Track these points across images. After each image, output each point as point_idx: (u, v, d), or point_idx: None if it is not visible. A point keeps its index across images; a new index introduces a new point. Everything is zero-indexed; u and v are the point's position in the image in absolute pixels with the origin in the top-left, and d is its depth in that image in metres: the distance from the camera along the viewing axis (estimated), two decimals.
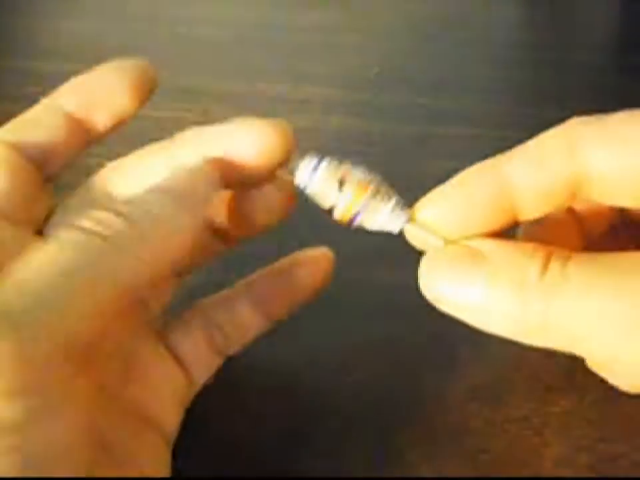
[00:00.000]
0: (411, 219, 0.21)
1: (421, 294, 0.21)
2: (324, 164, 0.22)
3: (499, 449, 0.25)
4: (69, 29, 0.52)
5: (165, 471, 0.21)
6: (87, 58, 0.48)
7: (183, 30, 0.53)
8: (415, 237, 0.21)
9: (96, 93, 0.23)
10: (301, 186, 0.22)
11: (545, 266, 0.18)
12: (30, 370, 0.16)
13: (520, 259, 0.19)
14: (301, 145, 0.40)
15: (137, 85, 0.23)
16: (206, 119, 0.42)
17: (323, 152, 0.42)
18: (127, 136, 0.40)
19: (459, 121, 0.43)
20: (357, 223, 0.22)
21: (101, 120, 0.23)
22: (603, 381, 0.21)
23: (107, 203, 0.19)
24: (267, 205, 0.23)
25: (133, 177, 0.22)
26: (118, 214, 0.18)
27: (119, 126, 0.24)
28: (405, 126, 0.43)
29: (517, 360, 0.28)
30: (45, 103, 0.23)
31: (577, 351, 0.19)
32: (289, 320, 0.27)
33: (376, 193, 0.21)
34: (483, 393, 0.27)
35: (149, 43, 0.51)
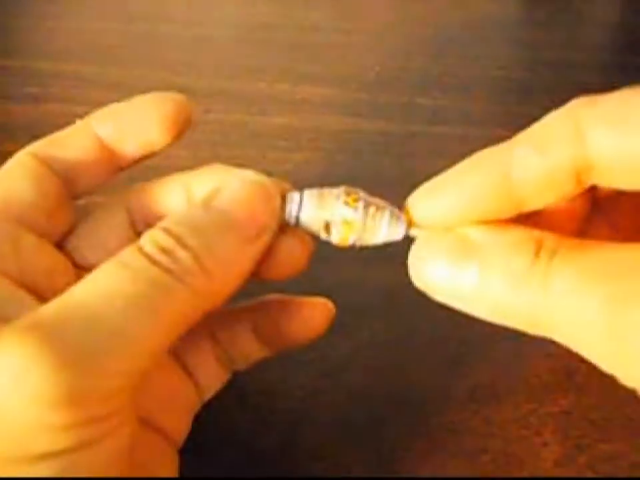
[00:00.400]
0: (410, 224, 0.21)
1: (421, 294, 0.21)
2: (306, 202, 0.21)
3: (498, 449, 0.25)
4: (69, 29, 0.52)
5: (174, 477, 0.22)
6: (87, 58, 0.49)
7: (183, 30, 0.53)
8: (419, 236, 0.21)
9: (129, 123, 0.23)
10: (292, 222, 0.21)
11: (536, 256, 0.18)
12: (91, 403, 0.16)
13: (510, 248, 0.18)
14: (301, 144, 0.41)
15: (170, 119, 0.23)
16: (206, 119, 0.42)
17: (322, 152, 0.42)
18: None
19: (459, 120, 0.43)
20: (358, 244, 0.21)
21: (130, 150, 0.23)
22: (602, 381, 0.21)
23: (166, 223, 0.19)
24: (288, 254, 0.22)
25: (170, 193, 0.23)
26: (183, 245, 0.18)
27: (147, 157, 0.24)
28: (405, 126, 0.43)
29: (517, 360, 0.28)
30: (79, 124, 0.23)
31: (567, 344, 0.19)
32: None
33: (366, 213, 0.21)
34: (483, 392, 0.27)
35: (148, 43, 0.51)
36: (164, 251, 0.18)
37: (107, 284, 0.17)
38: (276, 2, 0.58)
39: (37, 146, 0.23)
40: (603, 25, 0.60)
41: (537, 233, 0.19)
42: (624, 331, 0.16)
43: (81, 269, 0.22)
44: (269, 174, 0.38)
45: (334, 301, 0.27)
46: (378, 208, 0.21)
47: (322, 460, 0.25)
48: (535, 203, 0.19)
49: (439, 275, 0.19)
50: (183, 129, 0.24)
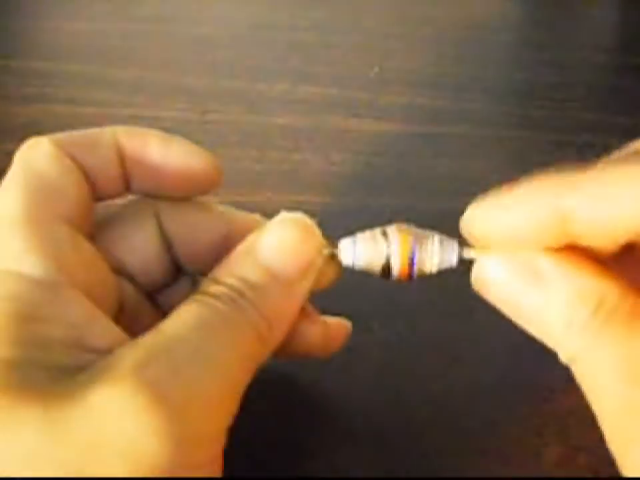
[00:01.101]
0: (462, 244, 0.21)
1: (421, 294, 0.21)
2: (360, 247, 0.22)
3: (498, 449, 0.25)
4: (69, 29, 0.52)
5: None
6: (87, 58, 0.49)
7: (183, 30, 0.53)
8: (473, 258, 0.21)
9: (155, 156, 0.23)
10: (349, 265, 0.22)
11: (594, 313, 0.19)
12: (180, 452, 0.16)
13: (573, 295, 0.19)
14: (300, 144, 0.40)
15: (201, 173, 0.23)
16: (206, 119, 0.42)
17: (322, 152, 0.42)
18: None
19: (459, 121, 0.43)
20: (416, 276, 0.22)
21: (140, 181, 0.23)
22: None
23: (225, 277, 0.20)
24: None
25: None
26: (256, 309, 0.19)
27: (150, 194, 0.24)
28: (405, 126, 0.43)
29: (517, 360, 0.28)
30: (106, 131, 0.22)
31: (587, 395, 0.19)
32: None
33: (419, 238, 0.21)
34: (483, 392, 0.27)
35: (149, 43, 0.51)
36: (229, 299, 0.19)
37: (201, 335, 0.18)
38: (276, 2, 0.58)
39: (62, 141, 0.21)
40: (603, 25, 0.60)
41: (601, 286, 0.19)
42: (634, 437, 0.17)
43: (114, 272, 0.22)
44: (269, 174, 0.38)
45: (334, 302, 0.27)
46: (430, 238, 0.22)
47: (321, 460, 0.25)
48: (590, 243, 0.19)
49: (503, 290, 0.20)
50: (203, 188, 0.23)
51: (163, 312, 0.24)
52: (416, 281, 0.22)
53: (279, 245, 0.20)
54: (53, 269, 0.18)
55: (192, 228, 0.23)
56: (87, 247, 0.20)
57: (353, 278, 0.31)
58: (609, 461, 0.20)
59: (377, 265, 0.22)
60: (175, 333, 0.17)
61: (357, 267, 0.22)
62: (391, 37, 0.54)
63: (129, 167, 0.22)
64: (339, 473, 0.25)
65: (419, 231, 0.22)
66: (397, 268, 0.21)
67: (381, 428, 0.26)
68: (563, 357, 0.20)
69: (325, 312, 0.29)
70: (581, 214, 0.18)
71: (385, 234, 0.22)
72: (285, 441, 0.25)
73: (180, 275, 0.24)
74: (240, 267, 0.20)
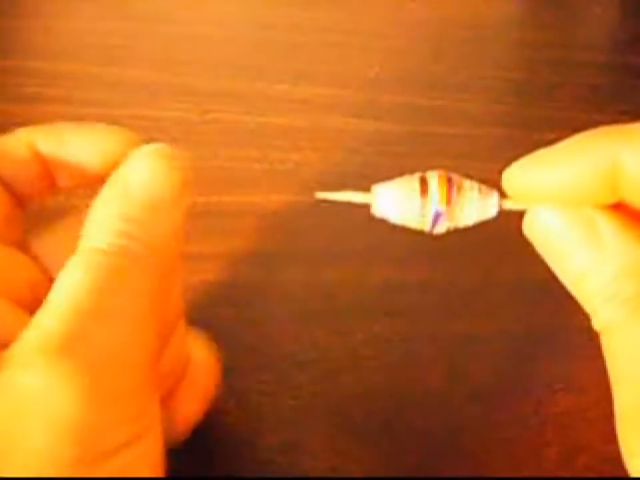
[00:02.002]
0: (503, 196, 0.20)
1: (421, 294, 0.21)
2: (395, 187, 0.21)
3: (498, 449, 0.25)
4: (69, 29, 0.52)
5: None
6: (87, 58, 0.49)
7: (183, 30, 0.53)
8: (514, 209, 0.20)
9: (72, 147, 0.23)
10: (385, 216, 0.21)
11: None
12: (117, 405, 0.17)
13: (627, 268, 0.18)
14: (300, 144, 0.40)
15: (109, 155, 0.23)
16: (206, 119, 0.42)
17: (322, 152, 0.42)
18: None
19: (459, 121, 0.43)
20: (453, 225, 0.20)
21: (64, 176, 0.23)
22: (603, 381, 0.21)
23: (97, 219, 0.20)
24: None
25: None
26: (121, 234, 0.19)
27: (80, 185, 0.23)
28: (405, 126, 0.43)
29: (517, 360, 0.28)
30: (20, 134, 0.23)
31: (609, 370, 0.19)
32: (290, 320, 0.27)
33: (459, 185, 0.20)
34: (483, 392, 0.27)
35: (149, 43, 0.51)
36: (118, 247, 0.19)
37: (81, 285, 0.18)
38: (276, 2, 0.58)
39: None
40: (603, 25, 0.60)
41: None
42: None
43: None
44: (268, 174, 0.38)
45: (334, 301, 0.27)
46: (469, 186, 0.20)
47: (322, 460, 0.25)
48: (635, 202, 0.19)
49: (555, 241, 0.19)
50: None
51: None
52: (452, 233, 0.21)
53: (146, 175, 0.20)
54: None
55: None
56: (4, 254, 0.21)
57: (353, 278, 0.31)
58: (609, 461, 0.20)
59: (413, 213, 0.20)
60: (70, 301, 0.18)
61: (391, 218, 0.20)
62: (390, 37, 0.54)
63: (51, 166, 0.23)
64: (340, 473, 0.25)
65: (459, 178, 0.20)
66: (435, 214, 0.20)
67: (381, 428, 0.26)
68: (596, 324, 0.19)
69: (325, 309, 0.29)
70: (634, 164, 0.18)
71: (423, 181, 0.20)
72: (285, 441, 0.25)
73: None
74: (118, 208, 0.20)
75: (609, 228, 0.19)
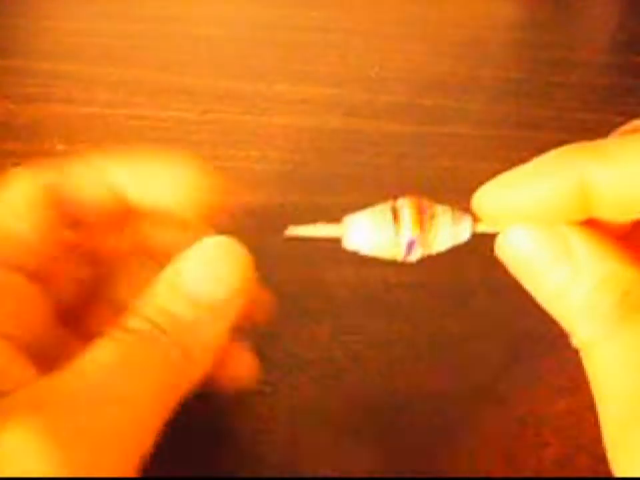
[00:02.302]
0: (475, 219, 0.20)
1: (421, 294, 0.21)
2: (365, 218, 0.20)
3: (498, 449, 0.25)
4: (69, 29, 0.52)
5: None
6: (87, 58, 0.49)
7: (183, 30, 0.53)
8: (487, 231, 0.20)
9: (150, 181, 0.21)
10: (357, 248, 0.20)
11: (619, 303, 0.18)
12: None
13: (601, 280, 0.18)
14: (300, 144, 0.40)
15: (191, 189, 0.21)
16: (206, 119, 0.42)
17: (322, 152, 0.42)
18: (127, 136, 0.40)
19: (459, 120, 0.43)
20: (427, 252, 0.20)
21: (144, 209, 0.22)
22: None
23: (143, 310, 0.19)
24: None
25: None
26: (163, 331, 0.18)
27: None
28: (405, 126, 0.43)
29: (517, 360, 0.28)
30: (94, 168, 0.21)
31: (591, 385, 0.19)
32: (290, 320, 0.27)
33: (431, 212, 0.20)
34: (483, 392, 0.27)
35: (149, 43, 0.51)
36: (144, 333, 0.18)
37: (104, 360, 0.18)
38: (276, 2, 0.58)
39: (47, 181, 0.21)
40: (603, 25, 0.60)
41: (629, 275, 0.18)
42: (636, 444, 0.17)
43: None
44: (269, 174, 0.38)
45: (334, 301, 0.27)
46: (441, 212, 0.20)
47: (322, 460, 0.25)
48: (607, 216, 0.19)
49: (528, 262, 0.19)
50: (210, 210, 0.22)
51: None
52: (427, 259, 0.20)
53: (200, 270, 0.19)
54: None
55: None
56: (28, 294, 0.20)
57: (353, 278, 0.31)
58: (609, 461, 0.20)
59: (386, 242, 0.20)
60: (80, 372, 0.17)
61: (363, 249, 0.20)
62: (390, 37, 0.54)
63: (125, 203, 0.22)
64: (340, 473, 0.25)
65: (431, 204, 0.20)
66: (409, 242, 0.20)
67: (381, 428, 0.26)
68: (577, 341, 0.19)
69: (325, 309, 0.29)
70: (604, 181, 0.18)
71: (394, 209, 0.20)
72: (285, 441, 0.25)
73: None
74: (159, 297, 0.19)
75: (582, 244, 0.19)
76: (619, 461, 0.18)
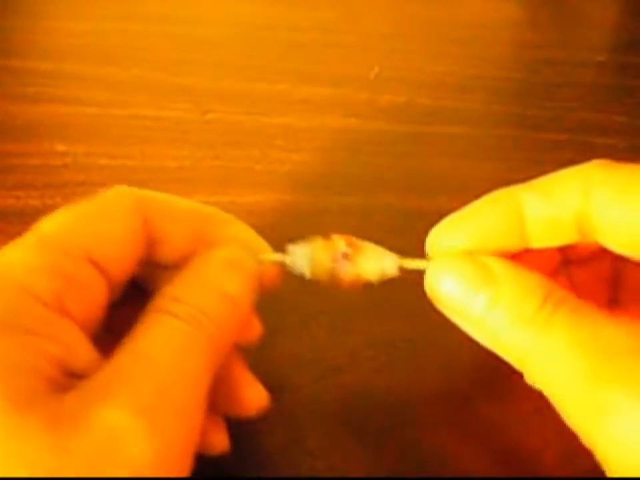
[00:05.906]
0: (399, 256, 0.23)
1: (421, 294, 0.21)
2: (302, 248, 0.23)
3: (499, 449, 0.25)
4: (69, 29, 0.52)
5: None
6: (87, 58, 0.49)
7: (183, 30, 0.53)
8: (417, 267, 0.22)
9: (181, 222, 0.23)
10: (299, 272, 0.23)
11: (542, 303, 0.20)
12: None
13: (523, 288, 0.20)
14: (300, 144, 0.41)
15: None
16: (206, 119, 0.42)
17: (322, 152, 0.42)
18: (127, 135, 0.40)
19: (459, 120, 0.43)
20: (362, 282, 0.23)
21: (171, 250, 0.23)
22: None
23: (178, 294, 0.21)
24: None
25: None
26: (212, 323, 0.20)
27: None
28: (405, 126, 0.43)
29: None
30: (127, 204, 0.22)
31: (546, 394, 0.20)
32: (290, 320, 0.27)
33: (358, 248, 0.23)
34: (483, 392, 0.27)
35: (149, 43, 0.51)
36: (192, 319, 0.20)
37: (163, 341, 0.19)
38: (276, 2, 0.58)
39: (142, 199, 0.22)
40: (603, 25, 0.60)
41: (548, 283, 0.20)
42: (601, 408, 0.18)
43: None
44: (268, 174, 0.38)
45: (334, 301, 0.27)
46: (369, 248, 0.23)
47: (322, 460, 0.25)
48: (540, 243, 0.21)
49: (453, 293, 0.21)
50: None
51: None
52: (362, 289, 0.23)
53: (226, 266, 0.22)
54: (57, 294, 0.19)
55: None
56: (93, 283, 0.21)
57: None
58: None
59: (320, 271, 0.23)
60: (149, 354, 0.19)
61: (304, 269, 0.23)
62: (390, 37, 0.54)
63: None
64: (340, 473, 0.25)
65: (360, 242, 0.23)
66: (339, 275, 0.23)
67: (381, 428, 0.26)
68: (514, 360, 0.20)
69: (325, 309, 0.29)
70: (532, 207, 0.21)
71: (328, 237, 0.23)
72: (286, 441, 0.25)
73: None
74: (196, 288, 0.21)
75: (499, 264, 0.21)
76: (595, 444, 0.19)
